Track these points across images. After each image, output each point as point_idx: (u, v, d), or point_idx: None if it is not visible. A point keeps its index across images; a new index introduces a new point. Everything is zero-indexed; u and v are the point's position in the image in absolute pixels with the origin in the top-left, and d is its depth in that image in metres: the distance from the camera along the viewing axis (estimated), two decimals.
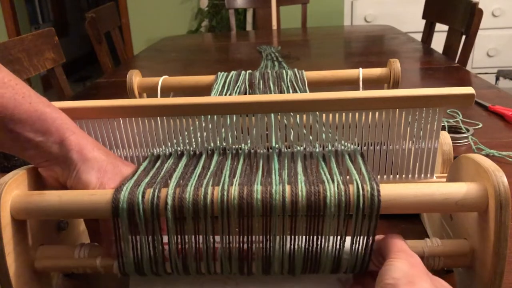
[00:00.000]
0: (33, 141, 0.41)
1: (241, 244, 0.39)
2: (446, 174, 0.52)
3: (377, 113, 0.48)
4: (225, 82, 0.70)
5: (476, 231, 0.39)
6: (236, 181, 0.40)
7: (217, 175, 0.42)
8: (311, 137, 0.49)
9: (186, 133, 0.50)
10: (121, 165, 0.45)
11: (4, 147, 0.42)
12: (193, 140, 0.50)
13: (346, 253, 0.39)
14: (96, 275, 0.49)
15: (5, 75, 0.41)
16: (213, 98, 0.48)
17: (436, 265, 0.40)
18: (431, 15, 1.71)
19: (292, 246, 0.39)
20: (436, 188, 0.38)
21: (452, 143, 0.54)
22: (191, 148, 0.50)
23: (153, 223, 0.39)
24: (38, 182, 0.44)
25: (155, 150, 0.51)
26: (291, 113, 0.50)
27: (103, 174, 0.43)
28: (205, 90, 0.73)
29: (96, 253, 0.42)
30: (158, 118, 0.49)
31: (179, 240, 0.39)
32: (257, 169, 0.44)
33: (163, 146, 0.51)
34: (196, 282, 0.43)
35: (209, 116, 0.49)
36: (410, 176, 0.53)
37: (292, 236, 0.38)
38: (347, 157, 0.45)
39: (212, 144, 0.50)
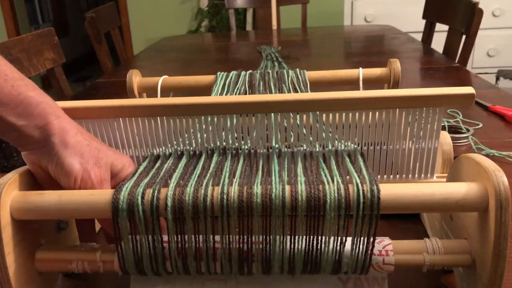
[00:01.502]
0: (15, 125, 0.40)
1: (241, 245, 0.39)
2: (446, 174, 0.52)
3: (377, 113, 0.48)
4: (224, 83, 0.70)
5: (476, 231, 0.39)
6: (235, 181, 0.40)
7: (217, 175, 0.42)
8: (311, 137, 0.49)
9: (186, 133, 0.50)
10: (106, 150, 0.44)
11: None
12: (193, 140, 0.50)
13: (347, 254, 0.39)
14: (96, 276, 0.49)
15: None
16: (213, 98, 0.48)
17: (436, 266, 0.40)
18: (431, 15, 1.71)
19: (292, 246, 0.39)
20: (436, 188, 0.38)
21: (452, 143, 0.54)
22: (191, 148, 0.50)
23: (153, 223, 0.39)
24: (38, 182, 0.44)
25: (155, 150, 0.51)
26: (291, 113, 0.50)
27: (87, 160, 0.42)
28: (205, 90, 0.73)
29: (96, 250, 0.42)
30: (158, 118, 0.49)
31: (179, 239, 0.39)
32: (257, 169, 0.44)
33: (163, 146, 0.51)
34: (196, 282, 0.43)
35: (209, 116, 0.49)
36: (410, 176, 0.53)
37: (292, 237, 0.38)
38: (347, 157, 0.45)
39: (212, 144, 0.50)
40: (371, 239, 0.38)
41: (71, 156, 0.41)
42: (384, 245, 0.40)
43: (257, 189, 0.38)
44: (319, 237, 0.38)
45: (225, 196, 0.37)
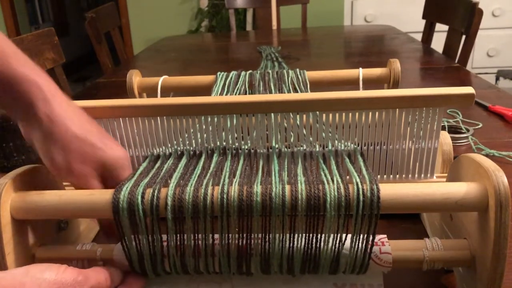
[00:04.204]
0: (3, 101, 0.41)
1: (241, 242, 0.39)
2: (446, 174, 0.52)
3: (377, 113, 0.48)
4: (224, 83, 0.70)
5: (476, 231, 0.39)
6: (235, 181, 0.40)
7: (217, 175, 0.42)
8: (311, 138, 0.49)
9: (186, 133, 0.50)
10: (100, 149, 0.42)
11: None
12: (193, 140, 0.50)
13: (346, 253, 0.39)
14: None
15: None
16: (213, 98, 0.48)
17: (436, 265, 0.40)
18: (431, 15, 1.71)
19: (291, 245, 0.39)
20: (436, 187, 0.38)
21: (452, 143, 0.54)
22: (191, 148, 0.50)
23: (153, 222, 0.39)
24: (38, 182, 0.44)
25: (155, 150, 0.51)
26: (291, 113, 0.50)
27: (73, 155, 0.41)
28: (205, 90, 0.73)
29: (96, 248, 0.42)
30: (158, 118, 0.49)
31: (178, 239, 0.39)
32: (257, 169, 0.44)
33: (163, 146, 0.51)
34: (192, 283, 0.43)
35: (209, 116, 0.49)
36: (410, 176, 0.53)
37: (292, 236, 0.38)
38: (346, 157, 0.45)
39: (212, 144, 0.50)
40: (371, 239, 0.38)
41: (55, 149, 0.41)
42: (380, 238, 0.41)
43: (257, 188, 0.38)
44: (319, 237, 0.38)
45: (225, 196, 0.37)
